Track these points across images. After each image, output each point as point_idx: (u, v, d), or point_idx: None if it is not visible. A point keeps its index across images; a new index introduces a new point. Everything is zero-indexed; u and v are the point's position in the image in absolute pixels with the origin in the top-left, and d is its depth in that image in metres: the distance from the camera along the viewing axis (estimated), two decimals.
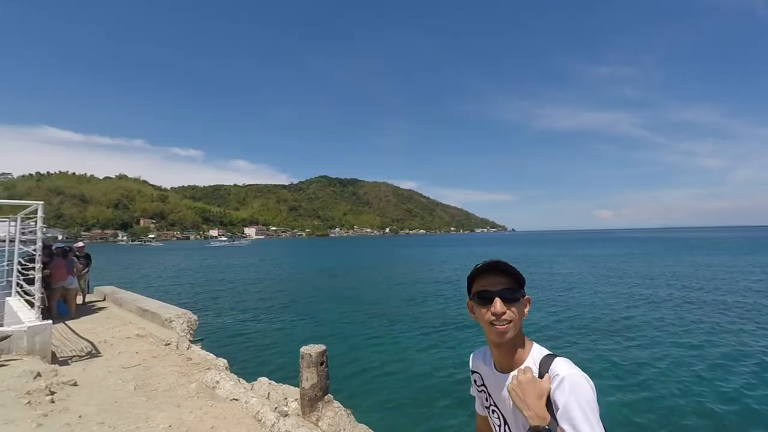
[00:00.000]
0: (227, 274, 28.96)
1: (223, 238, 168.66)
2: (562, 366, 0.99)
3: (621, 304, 14.57)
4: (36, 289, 5.27)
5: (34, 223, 5.68)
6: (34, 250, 5.57)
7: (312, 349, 3.84)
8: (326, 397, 3.86)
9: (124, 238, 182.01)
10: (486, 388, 1.10)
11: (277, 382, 4.88)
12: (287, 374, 4.49)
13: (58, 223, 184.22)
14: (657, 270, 26.31)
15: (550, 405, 0.97)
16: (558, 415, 0.94)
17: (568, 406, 0.91)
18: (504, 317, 1.03)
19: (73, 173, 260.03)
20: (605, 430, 0.93)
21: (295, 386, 4.19)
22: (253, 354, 8.98)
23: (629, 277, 22.66)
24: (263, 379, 4.89)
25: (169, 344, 6.06)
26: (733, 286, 18.23)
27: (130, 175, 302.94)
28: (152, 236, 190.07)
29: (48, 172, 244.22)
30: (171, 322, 7.11)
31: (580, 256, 41.69)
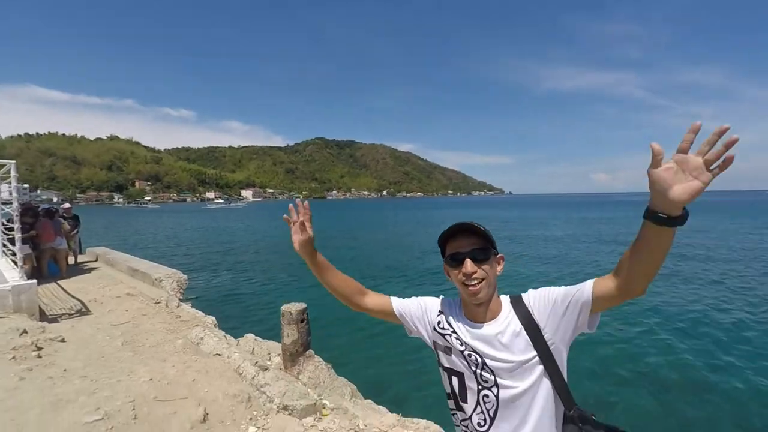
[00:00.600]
0: (223, 236, 29.14)
1: (220, 201, 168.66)
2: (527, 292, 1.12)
3: (609, 262, 14.86)
4: (17, 249, 5.24)
5: (8, 185, 5.54)
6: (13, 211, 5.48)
7: (292, 307, 3.91)
8: (307, 352, 3.98)
9: (120, 200, 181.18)
10: (457, 334, 1.11)
11: (263, 338, 5.03)
12: (274, 331, 4.63)
13: (52, 185, 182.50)
14: None
15: (535, 326, 1.03)
16: (550, 298, 1.04)
17: (544, 289, 1.08)
18: (475, 276, 1.05)
19: (63, 134, 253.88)
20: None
21: (279, 342, 4.30)
22: (242, 312, 9.22)
23: (623, 238, 23.00)
24: (249, 336, 5.03)
25: (158, 302, 6.16)
26: (719, 252, 18.58)
27: (121, 137, 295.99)
28: (148, 198, 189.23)
29: (37, 133, 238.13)
30: (161, 281, 7.20)
31: (575, 219, 42.06)
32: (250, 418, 2.99)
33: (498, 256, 1.12)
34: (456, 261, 1.09)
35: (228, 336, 4.95)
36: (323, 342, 5.49)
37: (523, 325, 1.04)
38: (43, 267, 7.71)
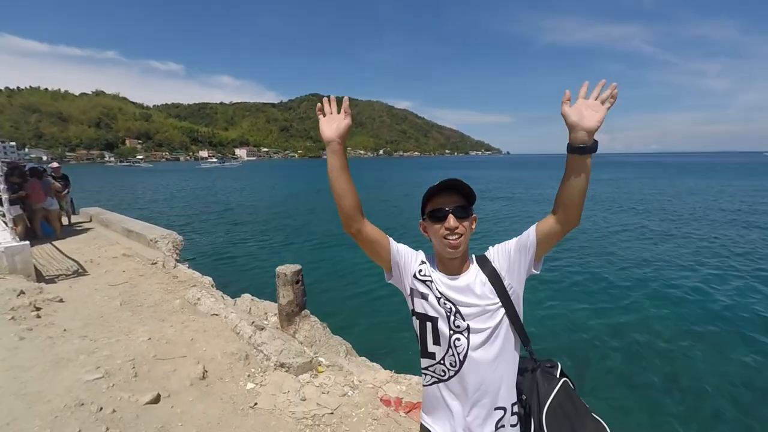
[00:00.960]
0: (218, 197, 28.94)
1: (214, 160, 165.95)
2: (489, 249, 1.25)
3: (607, 227, 15.05)
4: (6, 210, 5.15)
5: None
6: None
7: (287, 269, 3.93)
8: (303, 312, 4.06)
9: (112, 159, 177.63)
10: (435, 283, 1.20)
11: (259, 298, 5.12)
12: (270, 291, 4.73)
13: (39, 143, 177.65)
14: (646, 195, 26.80)
15: (497, 276, 1.17)
16: (506, 248, 1.19)
17: (502, 243, 1.21)
18: (457, 231, 1.15)
19: (46, 89, 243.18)
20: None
21: (275, 302, 4.38)
22: (239, 272, 9.35)
23: (622, 201, 23.14)
24: (246, 296, 5.12)
25: (155, 263, 6.20)
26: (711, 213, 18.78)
27: (107, 92, 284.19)
28: (140, 157, 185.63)
29: (18, 87, 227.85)
30: (156, 242, 7.21)
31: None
32: (248, 375, 3.10)
33: (473, 216, 1.21)
34: (438, 217, 1.16)
35: (225, 296, 5.04)
36: (319, 302, 5.62)
37: (487, 276, 1.18)
38: (36, 228, 7.66)
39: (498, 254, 1.21)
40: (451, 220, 1.14)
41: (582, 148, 1.00)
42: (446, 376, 1.19)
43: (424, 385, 1.26)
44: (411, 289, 1.24)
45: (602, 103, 1.00)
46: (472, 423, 1.16)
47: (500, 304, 1.16)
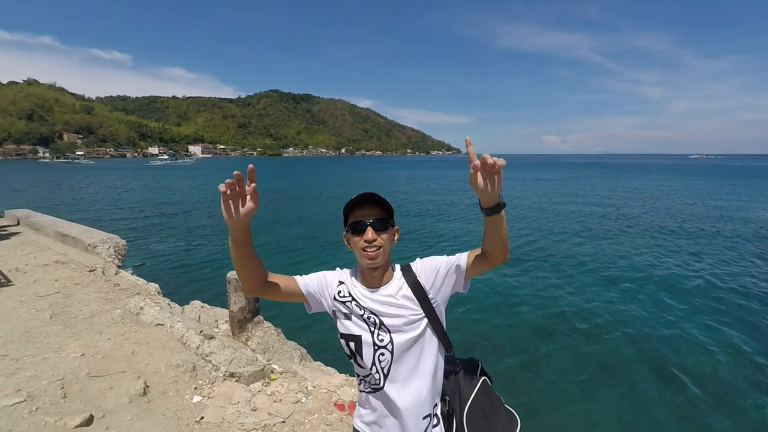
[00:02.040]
0: (169, 197, 27.31)
1: (165, 157, 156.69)
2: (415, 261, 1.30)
3: (566, 225, 15.93)
4: None
5: None
6: None
7: None
8: (256, 318, 3.93)
9: (47, 154, 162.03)
10: (356, 300, 1.22)
11: (210, 305, 4.90)
12: (222, 297, 4.51)
13: None
14: (598, 191, 28.69)
15: (421, 288, 1.21)
16: (434, 266, 1.23)
17: (429, 258, 1.26)
18: (375, 243, 1.17)
19: None
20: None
21: (227, 309, 4.20)
22: (189, 278, 8.87)
23: (577, 199, 24.57)
24: (196, 303, 4.88)
25: (93, 270, 5.73)
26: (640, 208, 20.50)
27: (42, 81, 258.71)
28: (80, 153, 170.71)
29: None
30: (95, 247, 6.67)
31: (531, 180, 44.04)
32: (195, 388, 2.95)
33: (395, 228, 1.25)
34: (358, 229, 1.18)
35: (172, 304, 4.77)
36: (273, 307, 5.46)
37: (411, 288, 1.22)
38: None
39: (424, 268, 1.24)
40: (369, 233, 1.16)
41: (488, 210, 1.08)
42: (379, 386, 1.22)
43: (360, 390, 1.29)
44: (333, 311, 1.26)
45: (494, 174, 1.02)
46: None
47: (423, 314, 1.20)
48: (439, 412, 1.25)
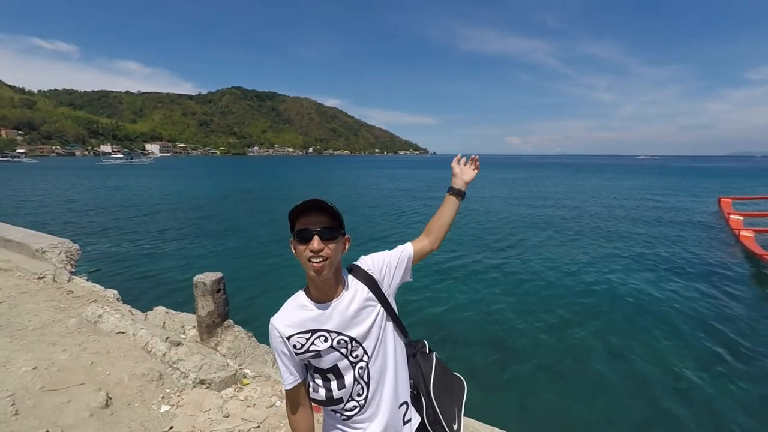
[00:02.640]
0: (125, 198, 25.72)
1: (119, 156, 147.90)
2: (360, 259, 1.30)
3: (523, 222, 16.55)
4: None
5: None
6: None
7: (206, 278, 3.67)
8: (225, 322, 3.83)
9: None
10: (317, 332, 1.15)
11: (176, 311, 4.70)
12: (189, 302, 4.33)
13: None
14: (565, 190, 30.08)
15: (376, 284, 1.23)
16: (385, 260, 1.28)
17: (377, 254, 1.30)
18: (321, 254, 1.08)
19: None
20: None
21: (194, 314, 4.05)
22: (151, 283, 8.41)
23: (539, 197, 25.60)
24: (160, 308, 4.66)
25: (43, 277, 5.33)
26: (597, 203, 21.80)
27: None
28: (22, 151, 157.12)
29: None
30: (44, 252, 6.20)
31: (497, 179, 45.45)
32: (163, 397, 2.83)
33: (345, 237, 1.18)
34: (304, 237, 1.10)
35: (134, 311, 4.54)
36: (244, 310, 5.32)
37: (367, 285, 1.22)
38: None
39: (375, 264, 1.27)
40: (316, 243, 1.08)
41: (458, 192, 1.46)
42: (358, 407, 1.20)
43: (332, 423, 1.25)
44: (303, 365, 1.21)
45: (473, 169, 1.55)
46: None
47: (382, 309, 1.22)
48: (410, 397, 1.30)
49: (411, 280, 1.35)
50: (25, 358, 3.07)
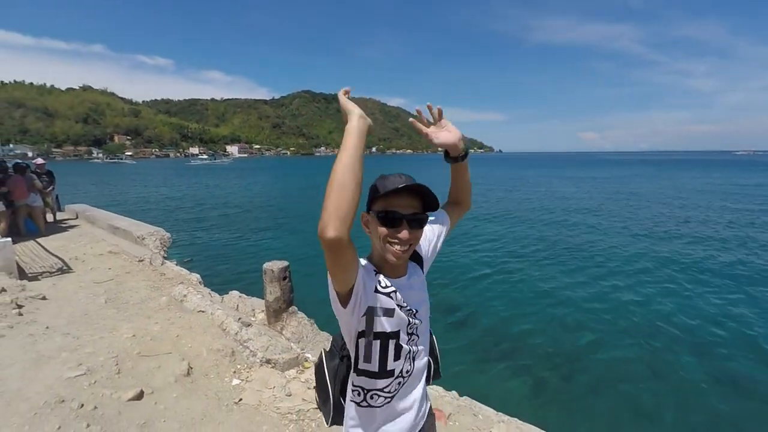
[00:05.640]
0: (208, 194, 28.65)
1: (204, 157, 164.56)
2: None
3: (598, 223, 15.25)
4: None
5: None
6: None
7: (274, 265, 3.92)
8: (290, 308, 4.06)
9: (100, 155, 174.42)
10: (396, 292, 1.06)
11: (247, 295, 5.10)
12: (259, 288, 4.70)
13: (24, 138, 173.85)
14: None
15: (422, 263, 1.21)
16: (431, 236, 1.25)
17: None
18: (407, 241, 1.01)
19: (31, 83, 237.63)
20: None
21: (263, 299, 4.37)
22: (228, 269, 9.29)
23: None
24: (234, 293, 5.10)
25: (142, 260, 6.13)
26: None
27: (95, 87, 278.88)
28: (129, 154, 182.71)
29: (2, 82, 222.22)
30: (143, 239, 7.13)
31: (579, 179, 42.42)
32: (234, 372, 3.09)
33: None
34: (390, 220, 0.99)
35: (213, 293, 5.01)
36: (307, 298, 5.59)
37: (418, 264, 1.19)
38: (20, 225, 7.52)
39: (424, 240, 1.21)
40: (406, 232, 0.98)
41: (455, 158, 1.25)
42: (401, 385, 1.10)
43: (373, 406, 1.09)
44: (370, 308, 1.01)
45: (443, 126, 1.20)
46: (422, 399, 1.19)
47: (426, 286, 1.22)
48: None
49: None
50: (127, 327, 3.56)
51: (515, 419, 2.73)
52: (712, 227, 14.17)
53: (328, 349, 1.27)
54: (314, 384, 1.30)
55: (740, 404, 4.43)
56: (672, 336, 6.00)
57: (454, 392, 3.07)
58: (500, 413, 2.79)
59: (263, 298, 4.30)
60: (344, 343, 1.12)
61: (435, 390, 3.02)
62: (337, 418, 1.21)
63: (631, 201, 22.25)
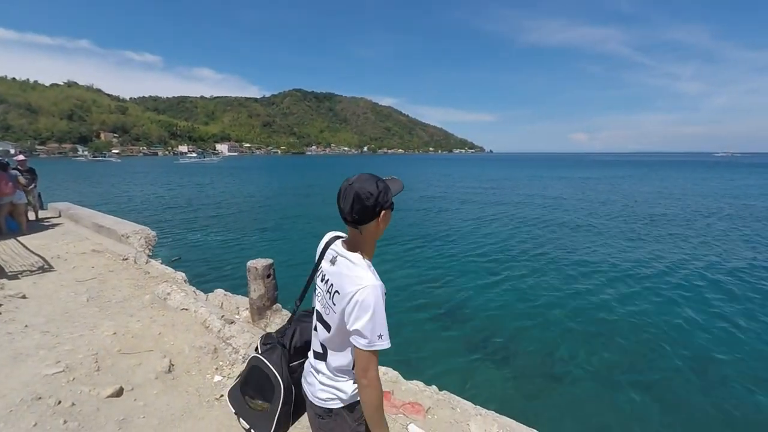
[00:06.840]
0: (195, 192, 28.30)
1: (193, 155, 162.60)
2: None
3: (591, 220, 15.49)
4: None
5: None
6: None
7: (258, 263, 3.94)
8: (274, 306, 4.08)
9: (85, 152, 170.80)
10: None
11: (232, 293, 5.10)
12: (244, 286, 4.71)
13: (6, 135, 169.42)
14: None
15: None
16: None
17: None
18: None
19: (14, 78, 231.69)
20: None
21: (247, 297, 4.37)
22: (213, 268, 9.24)
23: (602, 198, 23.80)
24: (219, 291, 5.09)
25: (126, 259, 6.07)
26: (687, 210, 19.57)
27: (80, 83, 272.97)
28: (116, 151, 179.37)
29: None
30: (128, 237, 7.06)
31: (571, 179, 42.90)
32: (216, 368, 3.11)
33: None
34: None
35: (197, 291, 5.00)
36: (291, 296, 5.62)
37: None
38: (1, 223, 7.38)
39: None
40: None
41: None
42: None
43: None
44: None
45: None
46: None
47: None
48: None
49: None
50: (108, 324, 3.55)
51: (492, 412, 2.79)
52: (702, 229, 14.53)
53: (260, 351, 1.44)
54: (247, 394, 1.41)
55: (724, 402, 4.54)
56: (655, 334, 6.16)
57: (434, 387, 3.13)
58: (478, 407, 2.85)
59: (247, 296, 4.31)
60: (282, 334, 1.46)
61: (415, 385, 3.07)
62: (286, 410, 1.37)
63: (619, 199, 22.68)
